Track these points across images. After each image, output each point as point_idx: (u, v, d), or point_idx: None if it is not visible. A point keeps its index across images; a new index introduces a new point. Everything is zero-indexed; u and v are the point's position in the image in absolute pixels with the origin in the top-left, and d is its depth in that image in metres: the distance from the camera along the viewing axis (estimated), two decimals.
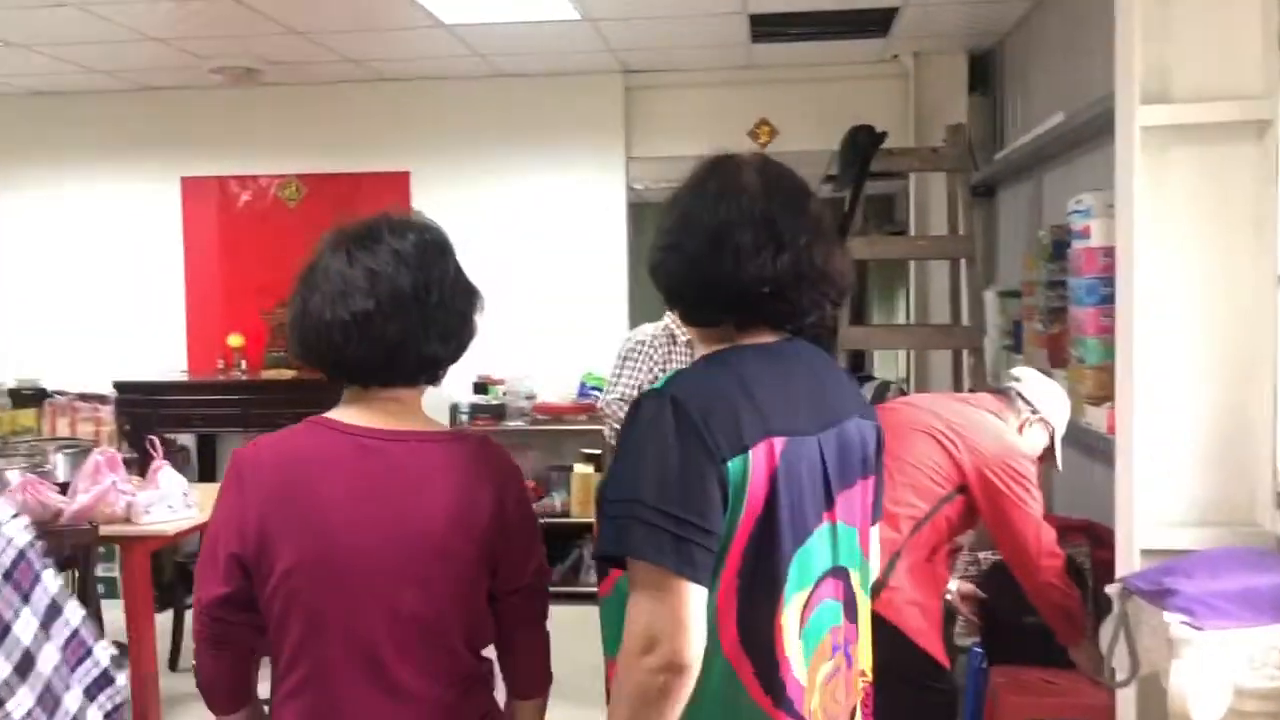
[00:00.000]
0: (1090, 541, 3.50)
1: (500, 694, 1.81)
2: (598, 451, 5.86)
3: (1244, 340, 2.35)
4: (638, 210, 6.55)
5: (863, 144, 4.88)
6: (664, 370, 4.06)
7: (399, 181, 6.34)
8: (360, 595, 1.56)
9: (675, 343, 4.18)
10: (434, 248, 1.66)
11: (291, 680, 1.60)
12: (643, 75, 6.16)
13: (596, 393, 5.94)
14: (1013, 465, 2.77)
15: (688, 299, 1.60)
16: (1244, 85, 2.31)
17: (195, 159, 6.46)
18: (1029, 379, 3.13)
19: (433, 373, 1.68)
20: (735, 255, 1.52)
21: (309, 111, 6.36)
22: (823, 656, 1.55)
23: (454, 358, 1.69)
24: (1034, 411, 3.02)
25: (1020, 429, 3.00)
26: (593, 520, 5.76)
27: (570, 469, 5.88)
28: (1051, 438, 3.07)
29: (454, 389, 6.11)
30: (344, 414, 1.65)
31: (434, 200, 6.28)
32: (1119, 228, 2.44)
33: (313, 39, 5.27)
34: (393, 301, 1.59)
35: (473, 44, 5.48)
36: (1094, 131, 3.87)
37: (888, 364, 8.41)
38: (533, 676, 1.77)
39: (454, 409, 5.97)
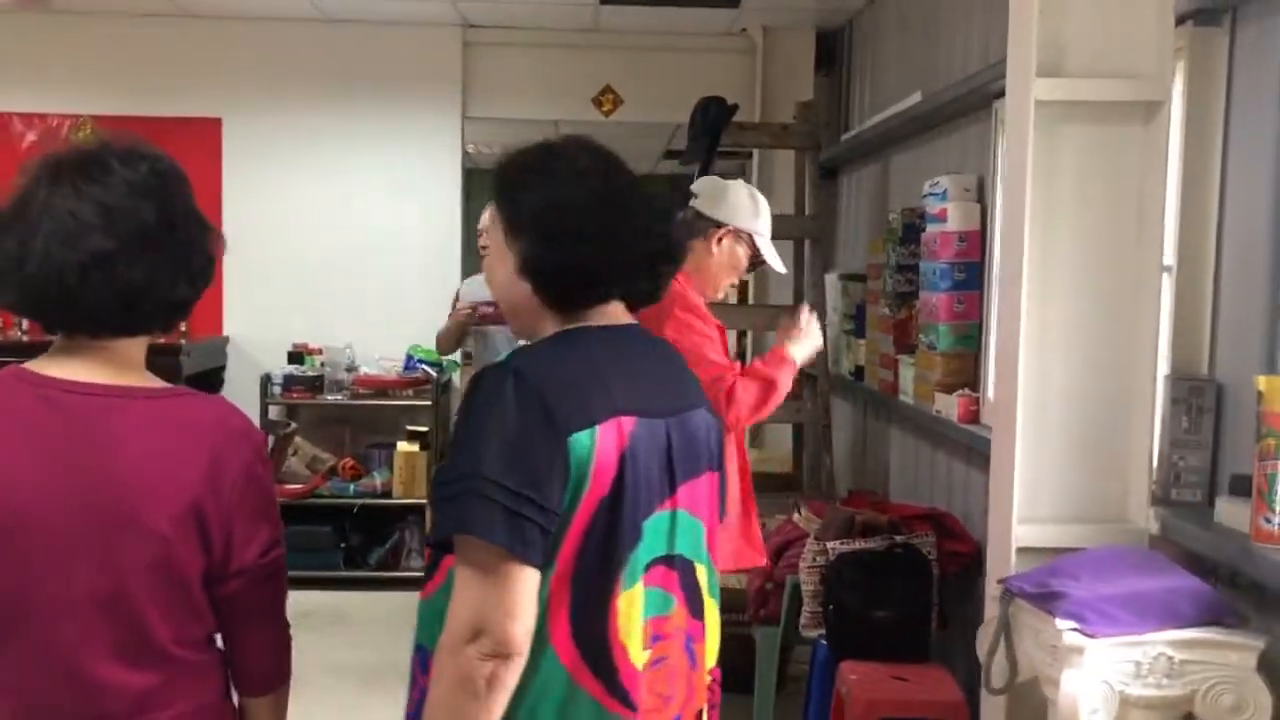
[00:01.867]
0: (936, 531, 3.44)
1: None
2: (424, 429, 5.52)
3: (1125, 329, 2.27)
4: (469, 175, 6.21)
5: (714, 116, 4.70)
6: None
7: (209, 128, 5.79)
8: (30, 565, 1.40)
9: None
10: (173, 177, 1.48)
11: None
12: (483, 30, 5.81)
13: (424, 365, 5.60)
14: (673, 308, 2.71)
15: (586, 274, 1.48)
16: (1137, 64, 2.22)
17: None
18: (703, 192, 3.01)
19: (172, 319, 1.50)
20: (636, 222, 1.50)
21: (108, 46, 5.73)
22: (645, 645, 1.47)
23: (196, 301, 1.52)
24: (718, 225, 2.91)
25: (712, 249, 2.88)
26: (417, 501, 5.47)
27: (393, 447, 5.51)
28: (752, 242, 2.93)
29: (265, 358, 5.66)
30: (45, 364, 1.46)
31: (248, 151, 5.78)
32: (1005, 205, 2.32)
33: None
34: (137, 239, 1.41)
35: None
36: (950, 114, 3.80)
37: None
38: (263, 671, 1.57)
39: (265, 380, 5.50)
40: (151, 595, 1.42)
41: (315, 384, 5.50)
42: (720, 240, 2.91)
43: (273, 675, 1.57)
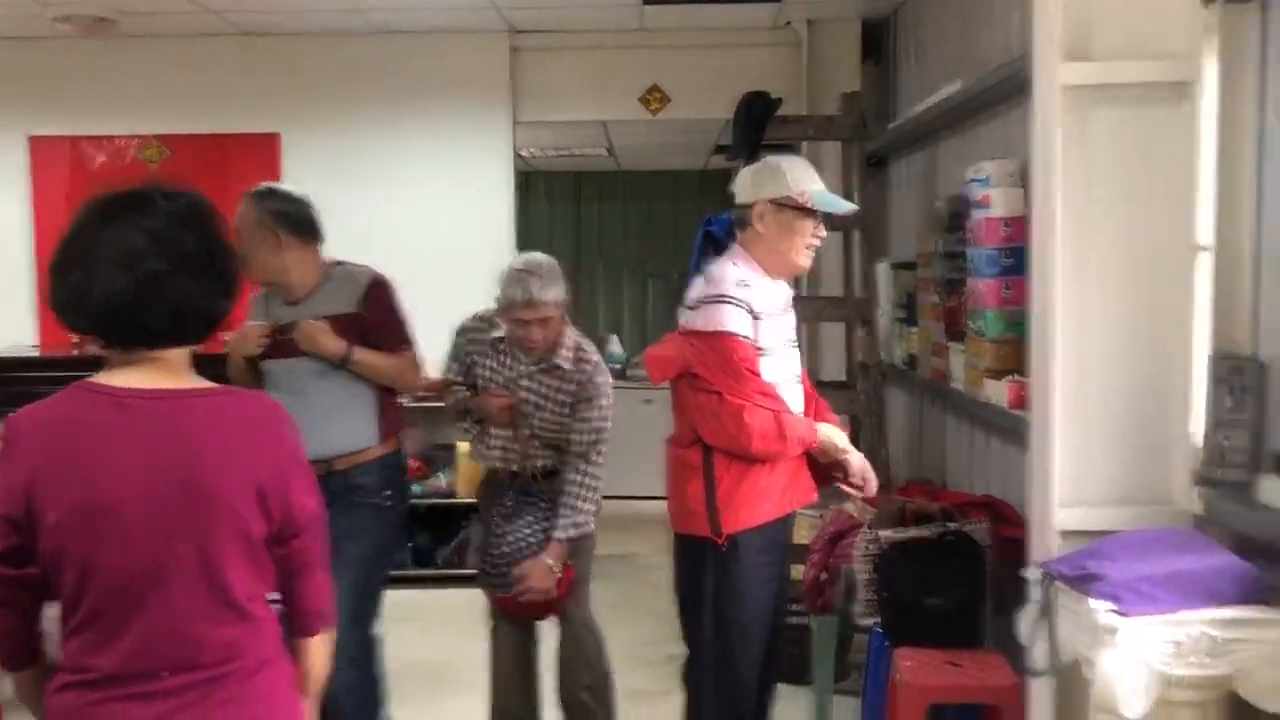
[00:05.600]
0: (991, 518, 3.44)
1: None
2: None
3: (1163, 312, 2.27)
4: (526, 178, 6.30)
5: (758, 112, 4.73)
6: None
7: (268, 144, 5.96)
8: (124, 541, 1.67)
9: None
10: (207, 209, 1.78)
11: (72, 624, 1.71)
12: (530, 35, 5.89)
13: None
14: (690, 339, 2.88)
15: None
16: (1167, 44, 2.21)
17: (44, 116, 5.97)
18: (736, 187, 3.02)
19: (211, 330, 1.78)
20: None
21: (170, 67, 5.92)
22: None
23: (229, 315, 1.81)
24: (750, 205, 2.91)
25: (758, 229, 2.91)
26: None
27: (454, 447, 5.63)
28: (797, 204, 2.87)
29: None
30: (108, 376, 1.73)
31: (306, 164, 5.92)
32: (1035, 192, 2.32)
33: None
34: (183, 261, 1.69)
35: None
36: (992, 100, 3.79)
37: None
38: (316, 611, 1.89)
39: None
40: (231, 560, 1.71)
41: None
42: (761, 217, 2.93)
43: (323, 615, 1.89)
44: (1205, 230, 2.30)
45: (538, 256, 3.59)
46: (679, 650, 3.19)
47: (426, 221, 5.94)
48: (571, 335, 3.52)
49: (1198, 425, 2.29)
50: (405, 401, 5.64)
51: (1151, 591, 1.88)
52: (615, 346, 8.65)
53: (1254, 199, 2.25)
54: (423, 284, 5.84)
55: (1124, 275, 2.28)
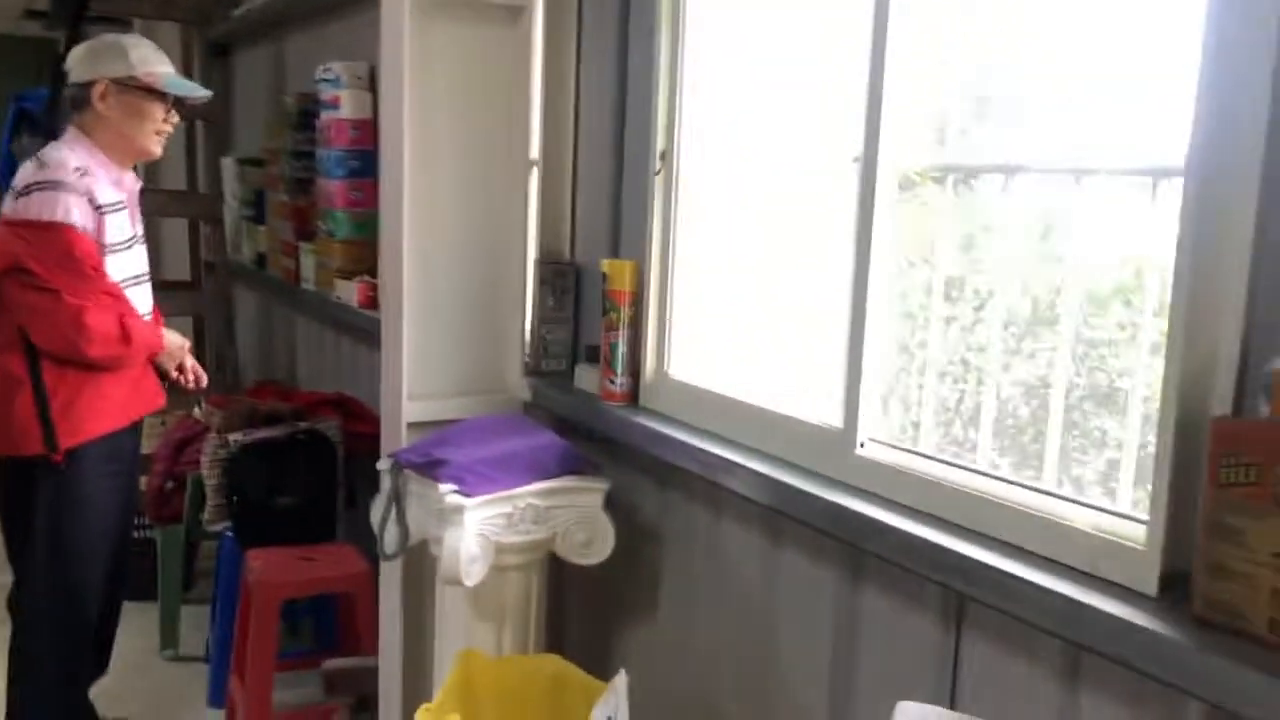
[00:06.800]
0: (341, 415, 3.53)
1: None
2: None
3: (501, 220, 2.47)
4: None
5: None
6: None
7: None
8: None
9: None
10: None
11: None
12: None
13: None
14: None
15: None
16: None
17: None
18: (71, 64, 2.80)
19: None
20: None
21: None
22: None
23: None
24: (90, 84, 2.70)
25: (100, 111, 2.72)
26: None
27: None
28: (144, 85, 2.72)
29: None
30: None
31: None
32: (384, 98, 2.38)
33: None
34: None
35: None
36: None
37: None
38: None
39: None
40: None
41: None
42: (103, 98, 2.70)
43: None
44: (537, 146, 2.54)
45: None
46: (6, 579, 2.88)
47: None
48: None
49: (528, 322, 2.55)
50: None
51: (489, 472, 2.08)
52: None
53: (573, 119, 2.53)
54: None
55: (468, 184, 2.44)
